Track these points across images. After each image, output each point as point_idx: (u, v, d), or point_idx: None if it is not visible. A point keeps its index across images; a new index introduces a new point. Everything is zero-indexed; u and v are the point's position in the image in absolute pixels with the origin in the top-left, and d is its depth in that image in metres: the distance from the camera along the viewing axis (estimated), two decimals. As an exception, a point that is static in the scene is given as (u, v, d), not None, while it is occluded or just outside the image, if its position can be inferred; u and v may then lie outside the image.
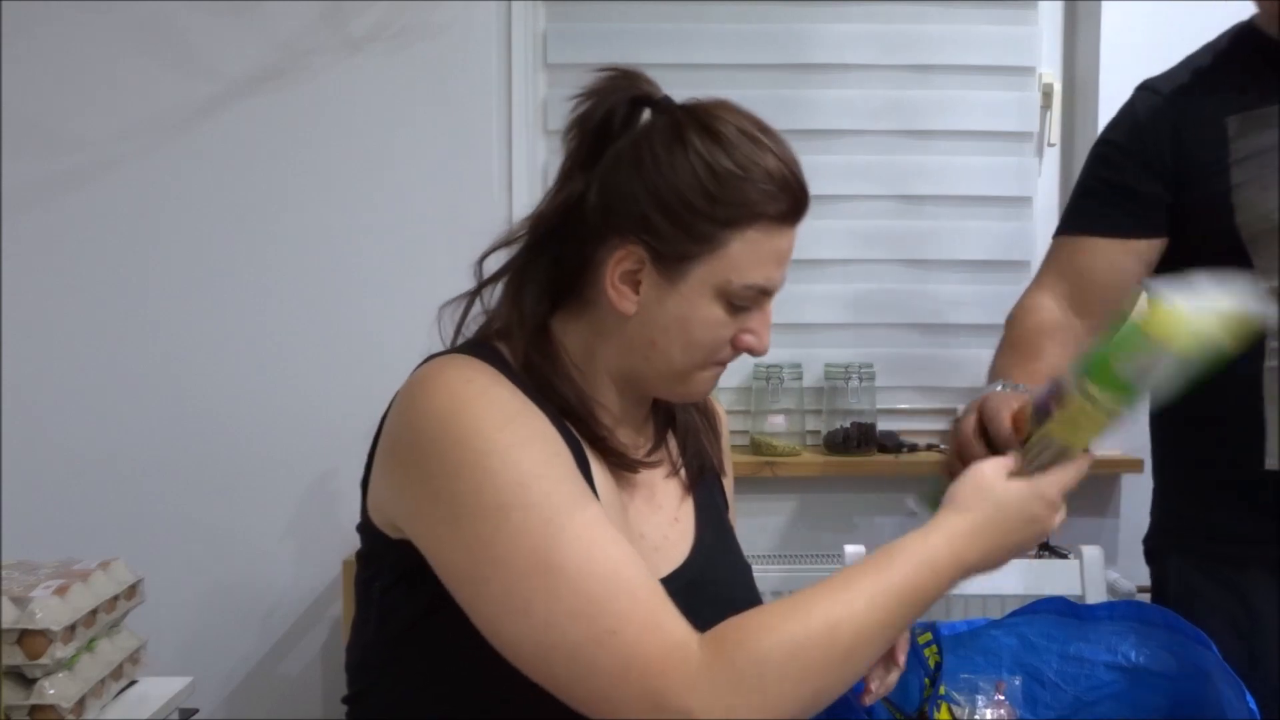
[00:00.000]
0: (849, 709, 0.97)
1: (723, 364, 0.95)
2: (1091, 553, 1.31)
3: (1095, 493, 2.04)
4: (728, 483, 1.11)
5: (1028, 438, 0.89)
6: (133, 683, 1.46)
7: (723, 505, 1.07)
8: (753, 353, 0.94)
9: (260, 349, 1.96)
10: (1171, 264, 1.36)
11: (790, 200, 0.89)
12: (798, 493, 2.03)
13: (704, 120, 0.89)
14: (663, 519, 0.97)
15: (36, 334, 1.94)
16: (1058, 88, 2.05)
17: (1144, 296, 0.82)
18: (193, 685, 1.50)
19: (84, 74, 1.93)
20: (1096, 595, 1.30)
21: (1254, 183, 1.28)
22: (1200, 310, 0.79)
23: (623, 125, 0.92)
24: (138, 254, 1.95)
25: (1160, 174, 1.34)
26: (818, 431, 2.06)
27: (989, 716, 1.00)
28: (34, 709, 1.26)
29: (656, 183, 0.88)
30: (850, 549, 1.33)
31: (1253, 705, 0.92)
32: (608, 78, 0.93)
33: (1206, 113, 1.32)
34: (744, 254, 0.88)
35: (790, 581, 1.94)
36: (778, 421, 2.00)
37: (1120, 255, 1.36)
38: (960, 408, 2.06)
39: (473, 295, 0.96)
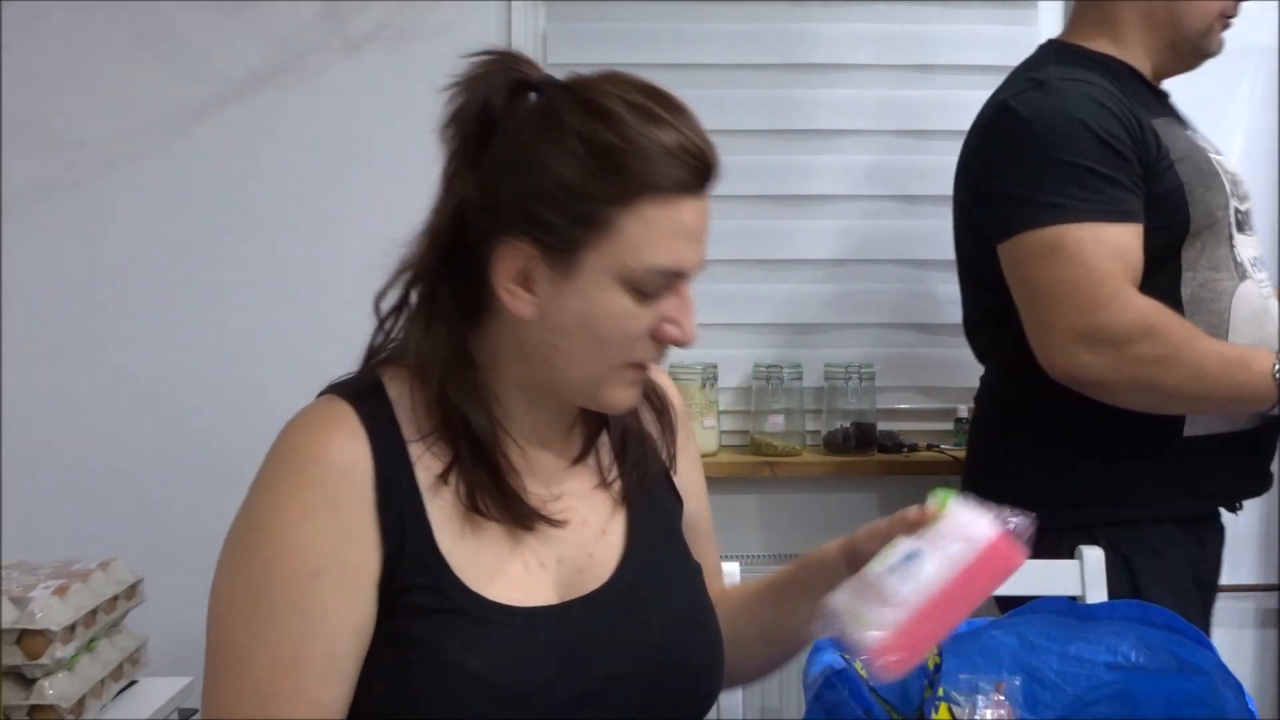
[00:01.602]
0: (848, 709, 0.97)
1: (642, 366, 0.87)
2: (1091, 553, 1.31)
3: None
4: (689, 477, 1.04)
5: None
6: (133, 683, 1.46)
7: (672, 508, 1.00)
8: (677, 344, 0.85)
9: (259, 348, 1.95)
10: None
11: (688, 167, 0.80)
12: (797, 493, 2.03)
13: (585, 97, 0.81)
14: (587, 535, 0.91)
15: (36, 334, 1.94)
16: (1057, 88, 2.04)
17: None
18: (193, 685, 1.50)
19: (84, 74, 1.92)
20: (1096, 595, 1.30)
21: (1198, 182, 1.35)
22: None
23: (504, 114, 0.84)
24: (137, 254, 1.95)
25: (1143, 162, 1.36)
26: (818, 431, 2.05)
27: (989, 716, 1.00)
28: (34, 709, 1.26)
29: (534, 170, 0.80)
30: (850, 549, 1.33)
31: (1251, 706, 0.92)
32: (481, 62, 0.85)
33: (1139, 113, 1.37)
34: (640, 233, 0.80)
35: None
36: (777, 421, 1.99)
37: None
38: (961, 408, 2.06)
39: (377, 332, 0.95)
